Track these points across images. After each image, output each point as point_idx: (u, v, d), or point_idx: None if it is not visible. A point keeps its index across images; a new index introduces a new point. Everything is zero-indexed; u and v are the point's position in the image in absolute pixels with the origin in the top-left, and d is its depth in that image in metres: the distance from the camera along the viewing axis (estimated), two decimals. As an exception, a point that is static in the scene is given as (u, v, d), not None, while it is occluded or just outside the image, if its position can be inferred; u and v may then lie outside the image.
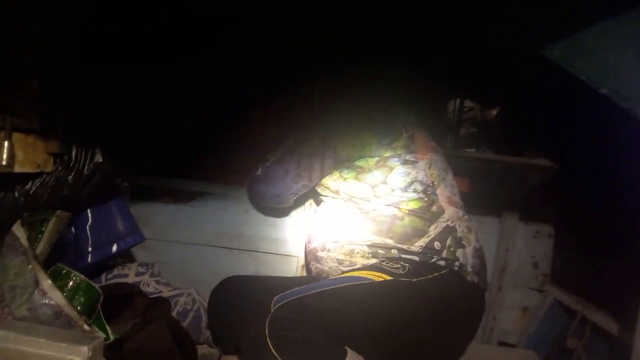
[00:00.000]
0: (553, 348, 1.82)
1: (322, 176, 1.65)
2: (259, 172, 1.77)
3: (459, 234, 1.51)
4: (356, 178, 1.59)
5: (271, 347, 1.16)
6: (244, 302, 1.62)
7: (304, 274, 2.01)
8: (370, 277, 1.38)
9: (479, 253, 1.54)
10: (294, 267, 2.06)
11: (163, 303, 1.55)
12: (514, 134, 2.09)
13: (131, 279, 1.74)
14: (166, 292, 1.74)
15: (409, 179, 1.54)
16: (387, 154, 1.57)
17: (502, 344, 2.03)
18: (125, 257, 1.88)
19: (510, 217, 2.03)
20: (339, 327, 1.23)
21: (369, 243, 1.51)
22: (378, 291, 1.35)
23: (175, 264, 2.05)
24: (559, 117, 1.88)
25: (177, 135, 2.06)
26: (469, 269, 1.47)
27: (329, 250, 1.59)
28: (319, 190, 1.72)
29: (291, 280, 1.81)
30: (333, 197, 1.67)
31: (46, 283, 1.18)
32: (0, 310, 1.15)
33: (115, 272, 1.75)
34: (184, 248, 2.10)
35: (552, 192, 1.96)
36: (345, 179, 1.62)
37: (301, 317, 1.21)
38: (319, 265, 1.63)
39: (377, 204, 1.54)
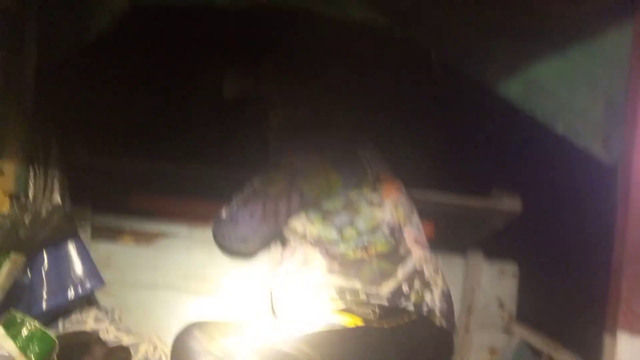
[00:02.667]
0: (520, 391, 1.82)
1: (289, 219, 1.63)
2: (223, 216, 1.73)
3: (427, 277, 1.50)
4: (323, 221, 1.57)
5: None
6: (210, 351, 1.56)
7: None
8: (341, 322, 1.36)
9: (446, 296, 1.54)
10: (261, 309, 2.01)
11: (122, 351, 1.49)
12: (477, 172, 2.11)
13: (89, 325, 1.66)
14: (126, 340, 1.66)
15: (375, 222, 1.54)
16: (353, 195, 1.56)
17: (470, 385, 2.01)
18: (84, 301, 1.80)
19: (475, 256, 2.04)
20: None
21: (337, 287, 1.48)
22: (350, 337, 1.34)
23: (136, 309, 1.97)
24: (520, 157, 1.92)
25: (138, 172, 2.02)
26: (437, 313, 1.47)
27: (297, 300, 1.54)
28: (286, 234, 1.69)
29: (262, 325, 1.77)
30: (299, 241, 1.64)
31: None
32: (-52, 361, 1.09)
33: (73, 318, 1.66)
34: (145, 293, 2.02)
35: (515, 232, 1.98)
36: (312, 222, 1.59)
37: None
38: (285, 314, 1.59)
39: (344, 247, 1.52)
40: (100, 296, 1.93)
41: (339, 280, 1.49)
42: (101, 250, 1.93)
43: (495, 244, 2.04)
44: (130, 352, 1.51)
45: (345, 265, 1.50)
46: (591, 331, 1.30)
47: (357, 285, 1.47)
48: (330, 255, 1.53)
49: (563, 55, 1.22)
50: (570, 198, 1.65)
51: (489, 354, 2.01)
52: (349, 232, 1.53)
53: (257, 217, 1.63)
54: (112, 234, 2.02)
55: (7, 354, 1.12)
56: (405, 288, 1.45)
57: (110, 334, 1.66)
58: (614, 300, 1.04)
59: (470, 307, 2.01)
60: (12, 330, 1.21)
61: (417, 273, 1.49)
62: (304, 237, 1.61)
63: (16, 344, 1.16)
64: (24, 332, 1.22)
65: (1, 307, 1.28)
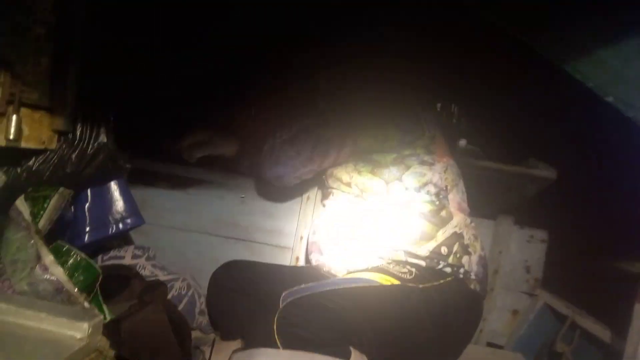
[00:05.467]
0: (541, 351, 1.85)
1: (334, 165, 1.62)
2: (265, 148, 1.65)
3: (466, 241, 1.50)
4: (372, 172, 1.56)
5: (279, 343, 1.16)
6: (246, 290, 1.62)
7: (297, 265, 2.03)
8: (378, 279, 1.39)
9: (483, 261, 1.55)
10: (288, 259, 2.07)
11: (160, 286, 1.55)
12: (513, 142, 2.10)
13: (127, 261, 1.73)
14: (162, 276, 1.74)
15: (424, 180, 1.52)
16: (407, 152, 1.55)
17: (490, 344, 2.05)
18: (121, 239, 1.87)
19: (506, 220, 2.06)
20: (346, 327, 1.23)
21: (377, 244, 1.49)
22: (386, 295, 1.36)
23: (170, 249, 2.05)
24: (558, 126, 1.90)
25: (180, 120, 2.04)
26: (473, 277, 1.48)
27: (334, 247, 1.57)
28: (330, 181, 1.69)
29: (294, 271, 1.81)
30: (343, 191, 1.64)
31: (48, 259, 1.18)
32: (1, 283, 1.15)
33: (112, 253, 1.74)
34: (179, 234, 2.11)
35: (548, 198, 1.98)
36: (360, 172, 1.58)
37: (311, 315, 1.21)
38: (321, 259, 1.61)
39: (388, 202, 1.52)
40: (135, 236, 2.00)
41: (379, 236, 1.50)
42: (137, 193, 1.98)
43: (527, 209, 2.04)
44: (166, 287, 1.57)
45: (386, 221, 1.50)
46: (619, 300, 1.31)
47: (397, 242, 1.47)
48: (373, 210, 1.53)
49: (620, 27, 1.20)
50: (609, 168, 1.63)
51: (511, 315, 2.05)
52: (396, 186, 1.52)
53: (304, 157, 1.58)
54: (148, 178, 2.08)
55: (55, 279, 1.17)
56: (444, 250, 1.46)
57: (146, 270, 1.74)
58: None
59: (497, 269, 2.04)
60: (59, 258, 1.25)
61: (457, 237, 1.49)
62: (348, 186, 1.61)
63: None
64: (70, 261, 1.27)
65: (48, 237, 1.32)
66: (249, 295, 1.60)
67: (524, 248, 2.05)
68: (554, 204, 1.98)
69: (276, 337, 1.17)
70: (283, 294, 1.33)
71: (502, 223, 2.06)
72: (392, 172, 1.53)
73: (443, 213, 1.51)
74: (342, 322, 1.23)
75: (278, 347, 1.16)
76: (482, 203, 2.03)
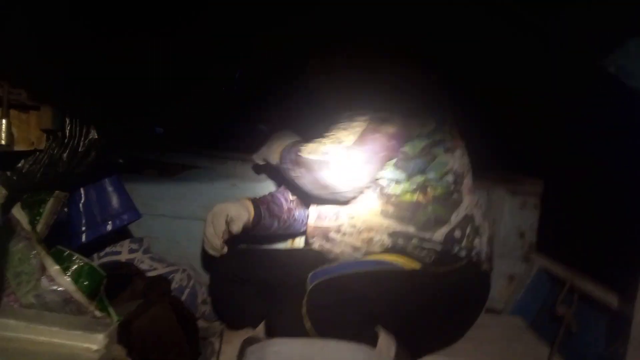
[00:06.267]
0: (539, 315, 1.88)
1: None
2: (324, 158, 1.43)
3: (477, 223, 1.51)
4: (394, 165, 1.49)
5: (309, 326, 1.17)
6: (251, 276, 1.59)
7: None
8: (397, 262, 1.39)
9: (491, 240, 1.57)
10: (283, 243, 2.05)
11: (163, 282, 1.53)
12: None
13: (124, 256, 1.70)
14: (161, 269, 1.71)
15: (445, 170, 1.50)
16: (438, 137, 1.50)
17: (488, 310, 2.08)
18: (116, 233, 1.82)
19: (499, 188, 2.07)
20: (373, 310, 1.24)
21: (390, 231, 1.47)
22: (408, 280, 1.37)
23: (163, 238, 2.01)
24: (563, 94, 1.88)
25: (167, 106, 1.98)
26: (484, 258, 1.49)
27: (344, 234, 1.54)
28: None
29: (299, 254, 1.80)
30: None
31: (53, 269, 1.14)
32: (6, 298, 1.11)
33: (107, 250, 1.70)
34: (170, 222, 2.06)
35: (541, 158, 1.99)
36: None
37: (341, 298, 1.22)
38: (327, 246, 1.58)
39: (401, 188, 1.48)
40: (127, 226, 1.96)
41: (392, 223, 1.47)
42: (125, 182, 1.92)
43: (520, 176, 2.06)
44: (169, 283, 1.54)
45: (400, 207, 1.47)
46: (623, 264, 1.33)
47: (411, 229, 1.46)
48: (385, 195, 1.49)
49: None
50: (609, 135, 1.64)
51: (508, 281, 2.08)
52: (418, 178, 1.48)
53: (380, 156, 1.46)
54: (134, 166, 2.01)
55: (63, 290, 1.14)
56: (457, 234, 1.46)
57: (145, 264, 1.71)
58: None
59: (491, 237, 2.06)
60: (62, 265, 1.21)
61: (469, 219, 1.49)
62: None
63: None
64: (74, 267, 1.23)
65: (45, 243, 1.28)
66: (258, 283, 1.57)
67: (517, 215, 2.07)
68: (552, 166, 1.99)
69: (306, 320, 1.17)
70: (310, 276, 1.32)
71: (496, 191, 2.07)
72: (417, 164, 1.48)
73: (455, 196, 1.50)
74: (370, 304, 1.24)
75: (303, 330, 1.17)
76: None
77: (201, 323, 1.73)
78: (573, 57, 1.32)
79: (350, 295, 1.23)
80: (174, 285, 1.68)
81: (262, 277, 1.59)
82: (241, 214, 1.56)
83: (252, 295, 1.60)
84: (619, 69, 1.25)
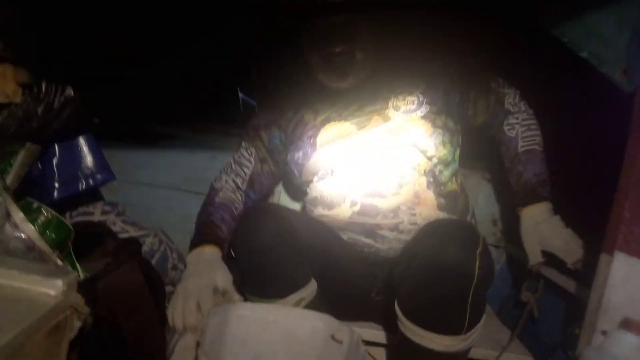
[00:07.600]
0: (506, 302, 1.91)
1: None
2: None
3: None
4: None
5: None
6: (299, 242, 1.36)
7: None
8: None
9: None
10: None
11: (134, 244, 1.53)
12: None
13: (97, 217, 1.71)
14: (133, 232, 1.73)
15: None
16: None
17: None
18: (90, 196, 1.83)
19: (475, 174, 2.09)
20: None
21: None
22: None
23: (140, 205, 2.02)
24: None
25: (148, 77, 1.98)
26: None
27: (401, 232, 1.42)
28: None
29: None
30: None
31: (18, 216, 1.15)
32: (-31, 241, 1.12)
33: (80, 209, 1.71)
34: (148, 190, 2.07)
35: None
36: None
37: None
38: (368, 241, 1.47)
39: (444, 175, 1.50)
40: (104, 192, 1.97)
41: (445, 216, 1.44)
42: (103, 148, 1.92)
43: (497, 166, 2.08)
44: (140, 245, 1.55)
45: (447, 198, 1.46)
46: (588, 251, 1.36)
47: None
48: (439, 184, 1.47)
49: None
50: (582, 120, 1.66)
51: (478, 269, 2.11)
52: (452, 164, 1.56)
53: None
54: (114, 133, 2.02)
55: (26, 237, 1.15)
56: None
57: (117, 226, 1.72)
58: (615, 222, 1.08)
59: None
60: (29, 216, 1.22)
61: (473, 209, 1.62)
62: None
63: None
64: (41, 218, 1.25)
65: (16, 195, 1.29)
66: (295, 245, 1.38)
67: (492, 202, 2.10)
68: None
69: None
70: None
71: (472, 177, 2.09)
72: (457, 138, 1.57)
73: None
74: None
75: None
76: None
77: (170, 288, 1.75)
78: (547, 42, 1.33)
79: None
80: (145, 249, 1.70)
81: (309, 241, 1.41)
82: (227, 278, 1.31)
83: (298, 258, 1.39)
84: (591, 54, 1.27)
